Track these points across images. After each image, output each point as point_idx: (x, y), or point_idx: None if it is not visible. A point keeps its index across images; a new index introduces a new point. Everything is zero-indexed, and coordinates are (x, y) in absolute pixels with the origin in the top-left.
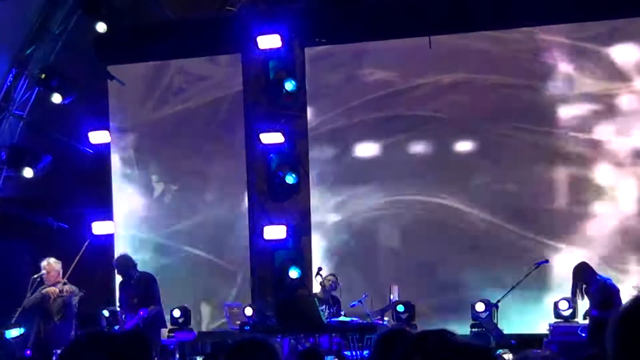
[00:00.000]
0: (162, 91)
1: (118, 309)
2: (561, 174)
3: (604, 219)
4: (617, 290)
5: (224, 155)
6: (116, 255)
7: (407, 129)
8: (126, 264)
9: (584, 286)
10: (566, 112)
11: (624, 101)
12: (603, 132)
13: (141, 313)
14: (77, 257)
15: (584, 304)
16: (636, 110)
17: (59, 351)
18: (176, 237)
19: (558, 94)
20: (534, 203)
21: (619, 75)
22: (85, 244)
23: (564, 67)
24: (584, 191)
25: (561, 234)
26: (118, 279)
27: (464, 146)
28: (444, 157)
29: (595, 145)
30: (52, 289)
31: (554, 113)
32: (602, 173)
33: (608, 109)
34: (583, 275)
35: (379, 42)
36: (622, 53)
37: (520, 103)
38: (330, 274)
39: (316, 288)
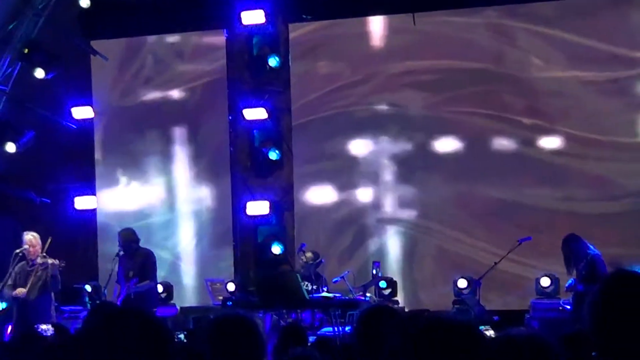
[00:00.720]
0: (139, 70)
1: (101, 283)
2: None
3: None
4: (604, 265)
5: (208, 131)
6: (98, 228)
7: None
8: (129, 238)
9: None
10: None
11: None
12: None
13: (131, 284)
14: (46, 245)
15: (566, 279)
16: None
17: (42, 326)
18: (159, 212)
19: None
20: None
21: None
22: (48, 242)
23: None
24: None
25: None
26: (103, 254)
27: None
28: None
29: None
30: (19, 290)
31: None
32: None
33: None
34: (572, 247)
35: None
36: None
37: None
38: (311, 251)
39: (299, 264)
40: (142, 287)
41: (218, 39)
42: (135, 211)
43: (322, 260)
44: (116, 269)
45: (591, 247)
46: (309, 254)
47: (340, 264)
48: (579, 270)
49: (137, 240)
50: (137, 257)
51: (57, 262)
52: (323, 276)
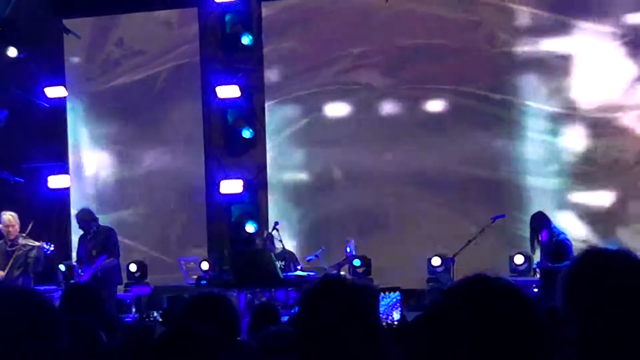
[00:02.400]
0: (110, 49)
1: (74, 262)
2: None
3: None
4: (570, 245)
5: (182, 110)
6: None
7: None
8: (88, 217)
9: (538, 236)
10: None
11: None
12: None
13: (97, 262)
14: (29, 227)
15: (536, 257)
16: None
17: None
18: (133, 191)
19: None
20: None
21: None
22: (31, 223)
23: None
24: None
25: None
26: (76, 233)
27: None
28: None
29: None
30: None
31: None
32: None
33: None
34: (539, 223)
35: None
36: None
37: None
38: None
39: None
40: (108, 264)
41: (190, 17)
42: (108, 192)
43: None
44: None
45: (557, 226)
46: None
47: (314, 241)
48: (547, 248)
49: (96, 219)
50: (99, 236)
51: (45, 245)
52: (294, 254)
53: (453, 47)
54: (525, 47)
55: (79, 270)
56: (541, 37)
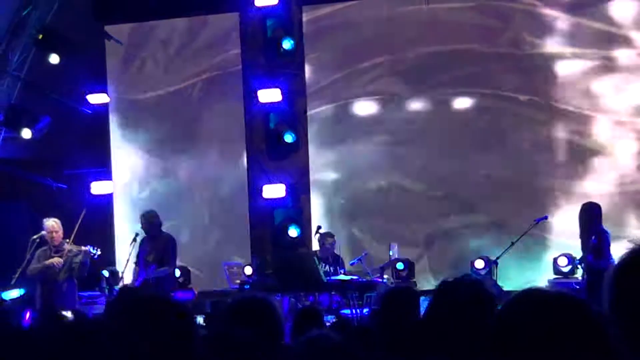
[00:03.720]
0: (152, 55)
1: (118, 268)
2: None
3: (603, 176)
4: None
5: (223, 115)
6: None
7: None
8: (153, 221)
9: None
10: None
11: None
12: (601, 88)
13: (149, 270)
14: (77, 225)
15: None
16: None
17: (63, 312)
18: (175, 197)
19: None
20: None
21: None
22: (83, 212)
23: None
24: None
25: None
26: (120, 239)
27: (464, 103)
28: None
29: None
30: (58, 259)
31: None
32: (600, 130)
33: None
34: (590, 215)
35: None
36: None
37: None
38: (327, 233)
39: (315, 246)
40: (160, 273)
41: (231, 22)
42: (151, 197)
43: (335, 242)
44: (134, 251)
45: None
46: (329, 239)
47: (357, 245)
48: (591, 242)
49: (160, 223)
50: (159, 242)
51: (92, 250)
52: (340, 258)
53: (481, 52)
54: (551, 50)
55: (135, 274)
56: (566, 40)
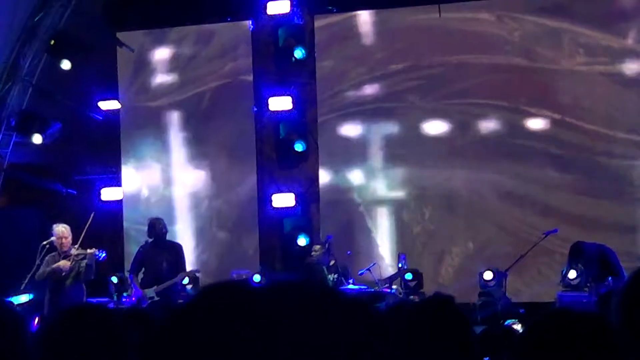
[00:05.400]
0: (163, 62)
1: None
2: None
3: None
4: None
5: (234, 123)
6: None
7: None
8: (160, 228)
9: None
10: None
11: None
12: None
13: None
14: (85, 228)
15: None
16: None
17: None
18: (185, 205)
19: None
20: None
21: None
22: (92, 215)
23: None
24: None
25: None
26: (132, 242)
27: (478, 115)
28: (460, 135)
29: None
30: (64, 262)
31: None
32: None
33: None
34: (583, 254)
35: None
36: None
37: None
38: (320, 243)
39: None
40: (179, 279)
41: (242, 30)
42: (160, 205)
43: (349, 252)
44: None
45: (593, 245)
46: (316, 247)
47: (365, 255)
48: (593, 274)
49: (167, 231)
50: (171, 250)
51: (97, 252)
52: (349, 268)
53: (493, 63)
54: (565, 64)
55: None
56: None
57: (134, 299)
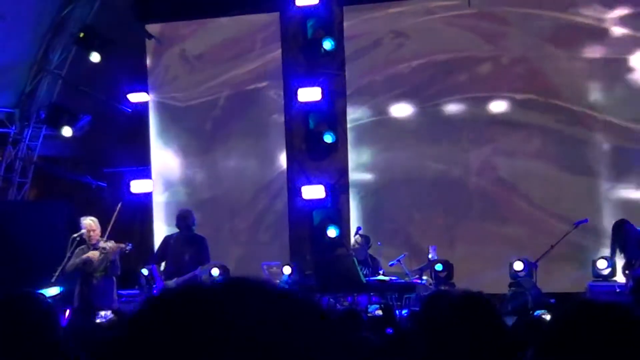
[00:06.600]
0: (192, 54)
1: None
2: None
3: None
4: None
5: (263, 115)
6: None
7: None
8: (188, 219)
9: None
10: None
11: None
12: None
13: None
14: (113, 219)
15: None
16: None
17: (102, 312)
18: (215, 197)
19: None
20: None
21: None
22: (119, 206)
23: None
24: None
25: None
26: (159, 233)
27: (499, 107)
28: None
29: None
30: (93, 253)
31: None
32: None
33: None
34: (623, 232)
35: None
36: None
37: None
38: (361, 235)
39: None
40: (199, 272)
41: (272, 22)
42: (191, 197)
43: (379, 243)
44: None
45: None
46: (357, 238)
47: (396, 246)
48: (629, 255)
49: (194, 223)
50: (194, 242)
51: (122, 245)
52: (379, 259)
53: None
54: (560, 53)
55: (160, 268)
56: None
57: (155, 291)
